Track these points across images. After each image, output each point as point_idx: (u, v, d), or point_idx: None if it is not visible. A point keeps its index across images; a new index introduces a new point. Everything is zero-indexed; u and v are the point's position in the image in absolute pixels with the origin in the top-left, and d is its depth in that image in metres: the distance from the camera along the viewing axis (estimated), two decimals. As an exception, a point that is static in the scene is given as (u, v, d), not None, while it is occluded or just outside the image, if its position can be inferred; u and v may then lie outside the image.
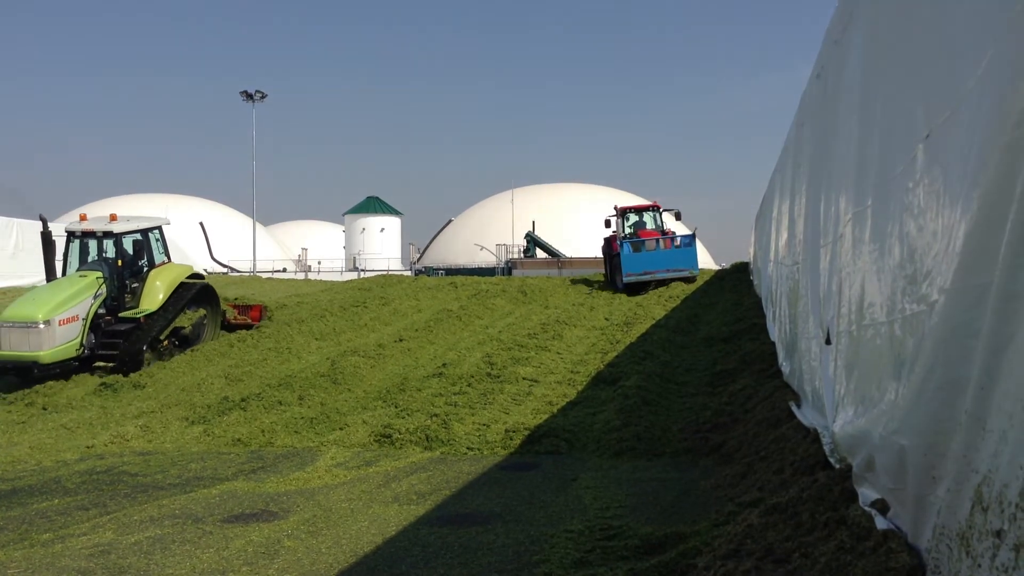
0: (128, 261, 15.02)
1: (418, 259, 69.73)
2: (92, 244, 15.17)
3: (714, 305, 20.41)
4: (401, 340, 15.79)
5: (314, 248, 79.42)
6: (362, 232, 72.81)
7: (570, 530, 5.53)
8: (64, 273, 14.89)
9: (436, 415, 9.60)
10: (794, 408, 7.27)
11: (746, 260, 28.98)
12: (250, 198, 60.16)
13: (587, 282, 27.94)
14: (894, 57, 3.76)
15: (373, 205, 74.85)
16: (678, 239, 25.84)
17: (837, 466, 4.70)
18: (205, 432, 9.78)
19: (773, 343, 11.65)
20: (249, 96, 57.66)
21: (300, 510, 6.43)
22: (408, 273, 51.65)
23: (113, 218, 15.42)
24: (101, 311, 14.35)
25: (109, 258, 15.03)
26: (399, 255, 72.74)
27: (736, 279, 25.72)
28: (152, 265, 15.52)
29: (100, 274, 14.46)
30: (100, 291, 14.32)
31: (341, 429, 9.55)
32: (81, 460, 8.69)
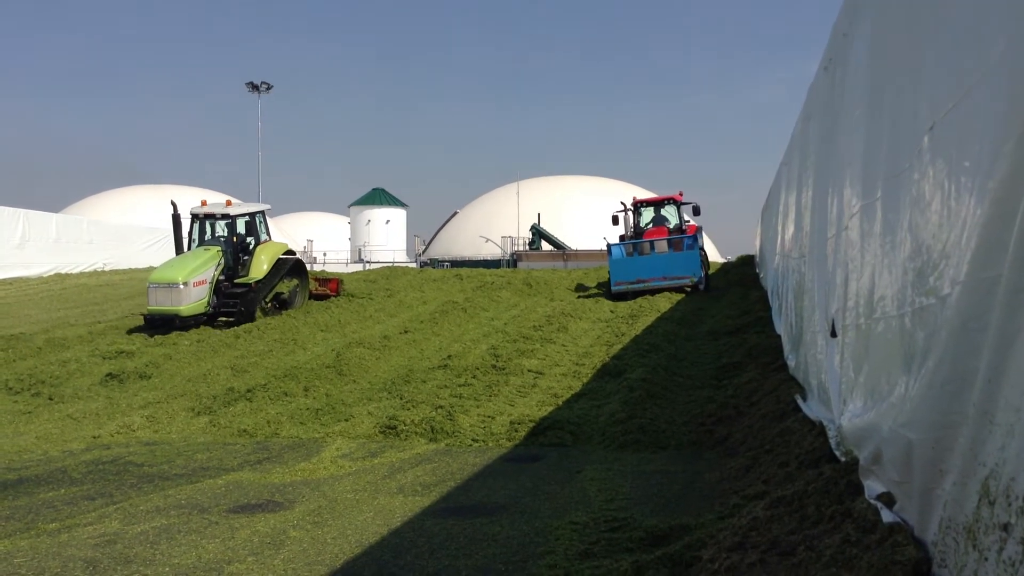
0: (240, 238, 18.57)
1: (423, 251, 69.71)
2: (209, 225, 18.79)
3: (719, 298, 20.38)
4: (406, 332, 15.80)
5: (319, 240, 79.45)
6: (367, 224, 72.79)
7: (575, 522, 5.53)
8: (189, 248, 18.50)
9: (441, 407, 9.61)
10: (799, 401, 7.26)
11: (752, 253, 28.89)
12: (256, 189, 60.22)
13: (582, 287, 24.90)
14: (903, 48, 3.74)
15: (378, 197, 74.78)
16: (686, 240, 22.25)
17: (843, 459, 4.69)
18: (211, 423, 9.80)
19: (779, 336, 11.63)
20: (255, 87, 57.60)
21: (305, 501, 6.44)
22: (413, 265, 51.70)
23: (228, 203, 19.37)
24: (221, 278, 17.85)
25: (223, 236, 18.58)
26: (404, 247, 72.74)
27: (741, 272, 25.63)
28: (258, 242, 19.01)
29: (219, 248, 18.00)
30: (220, 262, 17.82)
31: (346, 420, 9.56)
32: (87, 450, 8.72)
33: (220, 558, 5.15)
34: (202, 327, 17.07)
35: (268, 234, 19.67)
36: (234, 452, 8.40)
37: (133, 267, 34.32)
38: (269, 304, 18.71)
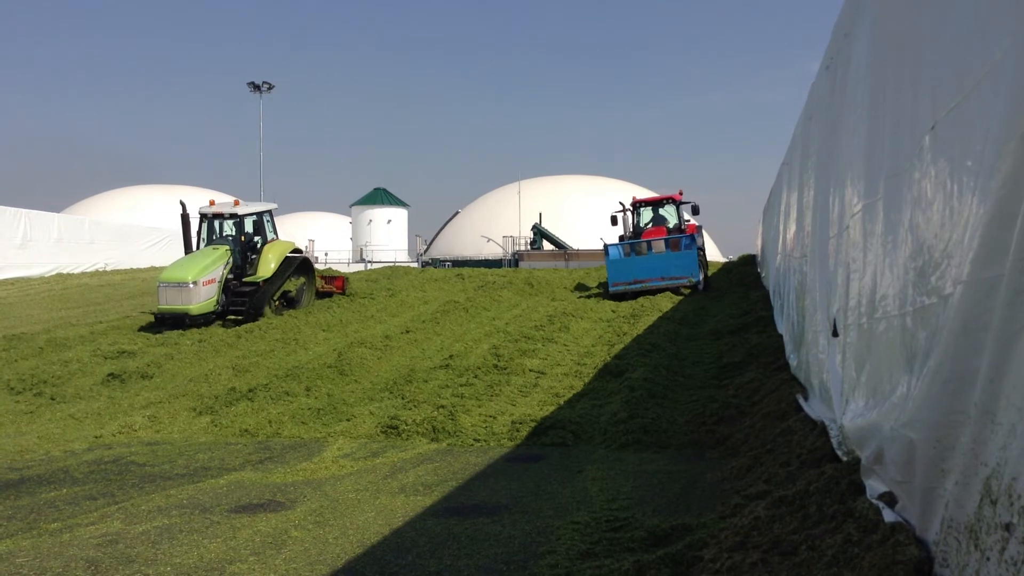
0: (249, 237, 18.92)
1: (424, 251, 69.70)
2: (217, 224, 19.07)
3: (721, 298, 20.37)
4: (408, 332, 15.80)
5: (321, 239, 79.33)
6: (369, 224, 72.71)
7: (576, 521, 5.53)
8: (198, 247, 18.73)
9: (443, 407, 9.61)
10: (801, 401, 7.26)
11: (753, 253, 28.89)
12: (257, 189, 60.23)
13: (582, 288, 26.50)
14: (904, 48, 3.73)
15: (380, 196, 74.71)
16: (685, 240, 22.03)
17: (844, 459, 4.69)
18: (212, 423, 9.80)
19: (780, 336, 11.62)
20: (256, 87, 57.65)
21: (307, 500, 6.44)
22: (415, 265, 51.67)
23: (237, 203, 19.68)
24: (230, 276, 18.13)
25: (231, 235, 18.90)
26: (406, 247, 72.69)
27: (743, 272, 25.62)
28: (265, 241, 19.38)
29: (228, 247, 18.29)
30: (229, 261, 18.07)
31: (348, 420, 9.56)
32: (89, 450, 8.72)
33: (222, 558, 5.15)
34: (206, 326, 17.28)
35: (275, 233, 20.02)
36: (236, 452, 8.40)
37: (135, 267, 34.36)
38: (277, 302, 18.98)
